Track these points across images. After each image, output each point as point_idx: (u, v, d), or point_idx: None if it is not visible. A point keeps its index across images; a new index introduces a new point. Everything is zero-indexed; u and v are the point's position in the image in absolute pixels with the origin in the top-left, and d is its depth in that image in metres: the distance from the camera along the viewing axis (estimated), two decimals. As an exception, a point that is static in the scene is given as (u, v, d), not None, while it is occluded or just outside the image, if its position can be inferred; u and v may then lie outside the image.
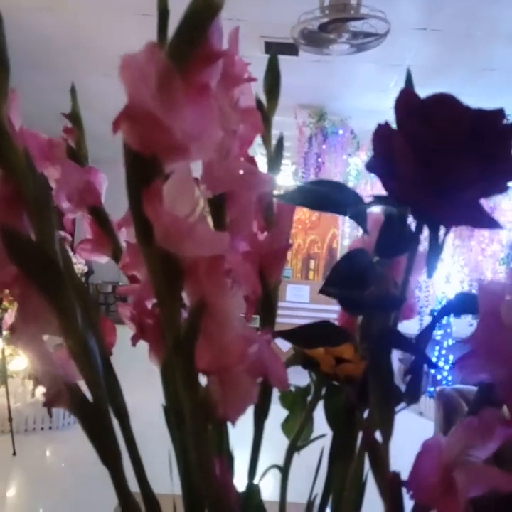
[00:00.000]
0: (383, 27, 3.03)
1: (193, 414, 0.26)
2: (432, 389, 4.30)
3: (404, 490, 0.27)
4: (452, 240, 5.39)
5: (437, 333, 4.81)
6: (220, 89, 0.40)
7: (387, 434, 0.27)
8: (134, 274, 0.45)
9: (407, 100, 0.29)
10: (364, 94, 4.72)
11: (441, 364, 4.87)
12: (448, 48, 3.79)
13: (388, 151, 0.29)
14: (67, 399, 0.28)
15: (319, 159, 5.20)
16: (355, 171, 5.40)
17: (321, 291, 0.29)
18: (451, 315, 0.33)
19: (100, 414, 0.27)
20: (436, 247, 0.29)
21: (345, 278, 0.29)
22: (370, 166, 0.30)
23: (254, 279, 0.29)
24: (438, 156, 0.28)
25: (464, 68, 4.12)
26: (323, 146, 5.15)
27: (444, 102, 0.28)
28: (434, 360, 4.88)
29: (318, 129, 5.14)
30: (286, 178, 6.13)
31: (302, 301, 5.74)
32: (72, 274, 0.31)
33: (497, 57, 3.89)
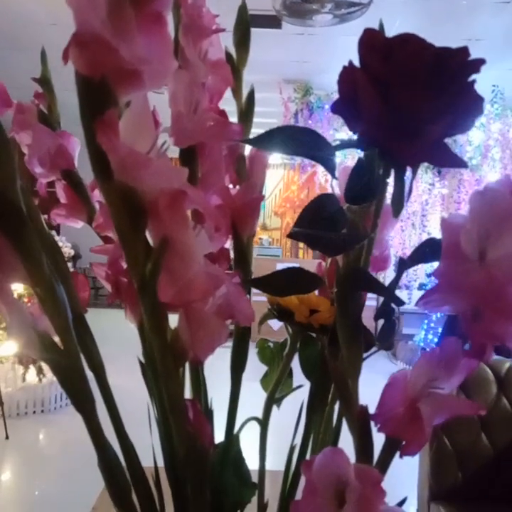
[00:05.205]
0: (366, -3, 2.98)
1: (163, 355, 0.26)
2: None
3: (372, 424, 0.28)
4: (439, 213, 5.42)
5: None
6: (188, 41, 0.39)
7: (356, 371, 0.28)
8: (108, 234, 0.45)
9: (370, 39, 0.29)
10: (349, 67, 4.65)
11: (430, 337, 4.93)
12: (433, 17, 3.74)
13: (353, 93, 0.29)
14: (37, 346, 0.28)
15: (305, 135, 5.15)
16: (341, 146, 5.36)
17: (289, 235, 0.29)
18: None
19: (70, 360, 0.27)
20: (401, 187, 0.29)
21: (313, 220, 0.29)
22: (336, 108, 0.29)
23: (217, 215, 0.29)
24: (402, 93, 0.27)
25: (450, 38, 4.05)
26: (309, 122, 5.10)
27: (408, 40, 0.28)
28: (422, 333, 4.95)
29: (303, 104, 5.09)
30: (274, 156, 6.09)
31: (292, 279, 5.74)
32: (39, 225, 0.31)
33: (482, 26, 3.85)
